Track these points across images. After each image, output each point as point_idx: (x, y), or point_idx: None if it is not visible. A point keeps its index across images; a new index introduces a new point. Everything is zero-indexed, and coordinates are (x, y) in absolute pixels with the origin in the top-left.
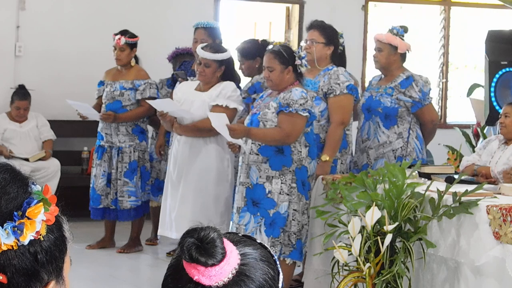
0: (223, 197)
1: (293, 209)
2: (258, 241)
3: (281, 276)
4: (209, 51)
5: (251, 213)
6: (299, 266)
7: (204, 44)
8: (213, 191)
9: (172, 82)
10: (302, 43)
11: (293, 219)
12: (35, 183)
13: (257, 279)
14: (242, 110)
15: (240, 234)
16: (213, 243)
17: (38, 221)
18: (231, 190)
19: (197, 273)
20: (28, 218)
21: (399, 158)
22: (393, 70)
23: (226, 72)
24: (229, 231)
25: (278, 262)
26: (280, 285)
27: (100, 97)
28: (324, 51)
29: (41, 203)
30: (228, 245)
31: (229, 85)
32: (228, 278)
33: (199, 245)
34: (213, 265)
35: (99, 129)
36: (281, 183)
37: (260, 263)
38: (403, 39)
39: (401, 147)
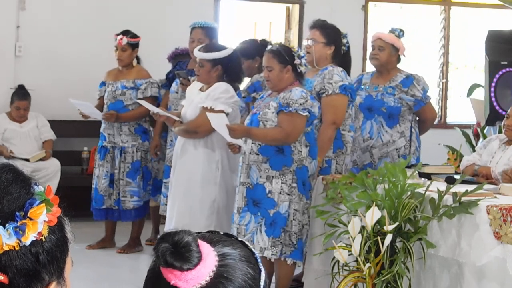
0: (208, 200)
1: (294, 209)
2: (240, 239)
3: (263, 274)
4: (201, 51)
5: (252, 213)
6: (299, 266)
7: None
8: (198, 193)
9: (168, 83)
10: (304, 42)
11: (293, 219)
12: (37, 184)
13: (237, 280)
14: (242, 110)
15: (221, 233)
16: (188, 247)
17: (40, 221)
18: (221, 192)
19: (174, 277)
20: (30, 219)
21: (403, 157)
22: (390, 70)
23: (226, 71)
24: (227, 232)
25: (259, 260)
26: (262, 284)
27: (101, 98)
28: (324, 51)
29: (43, 204)
30: (205, 247)
31: (219, 86)
32: (206, 280)
33: (173, 250)
34: (189, 269)
35: (101, 130)
36: (282, 183)
37: (240, 263)
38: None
39: (404, 146)
